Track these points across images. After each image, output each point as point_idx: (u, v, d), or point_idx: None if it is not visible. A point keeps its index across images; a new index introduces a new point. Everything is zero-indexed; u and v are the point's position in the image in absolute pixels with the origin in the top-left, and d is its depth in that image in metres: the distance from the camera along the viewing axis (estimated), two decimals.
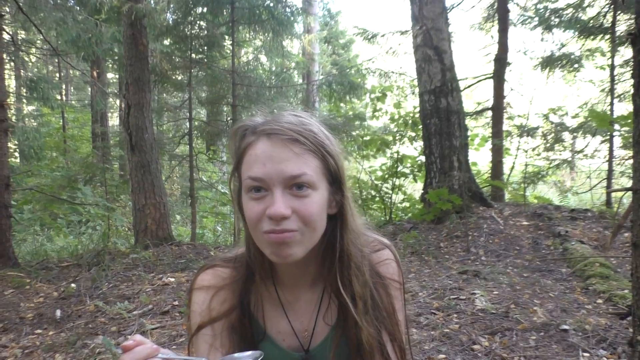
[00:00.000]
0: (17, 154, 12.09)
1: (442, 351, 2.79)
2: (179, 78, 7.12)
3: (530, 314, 3.26)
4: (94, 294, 3.98)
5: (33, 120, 12.64)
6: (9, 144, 10.05)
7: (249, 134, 0.93)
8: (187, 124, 7.22)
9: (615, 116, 5.82)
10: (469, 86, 8.49)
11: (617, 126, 7.04)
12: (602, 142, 8.10)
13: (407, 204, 7.74)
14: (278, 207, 0.87)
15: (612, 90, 7.48)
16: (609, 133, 7.27)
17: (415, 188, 8.94)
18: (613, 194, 7.35)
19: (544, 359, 2.60)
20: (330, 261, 1.01)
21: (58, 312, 3.56)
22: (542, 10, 8.62)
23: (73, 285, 4.20)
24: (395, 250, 1.14)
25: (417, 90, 7.36)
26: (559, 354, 2.65)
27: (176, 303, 3.70)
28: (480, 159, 8.63)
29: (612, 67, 7.56)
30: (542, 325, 3.03)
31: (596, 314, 3.25)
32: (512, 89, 8.52)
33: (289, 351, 1.07)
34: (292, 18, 6.96)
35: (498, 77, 8.12)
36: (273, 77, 7.29)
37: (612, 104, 7.43)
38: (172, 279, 4.34)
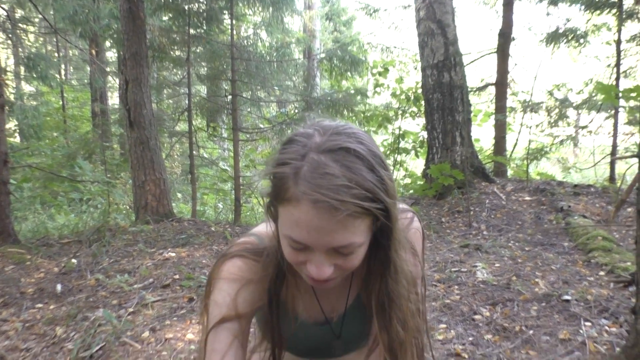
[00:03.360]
0: (17, 135, 12.06)
1: (443, 321, 2.78)
2: (178, 54, 7.03)
3: (532, 286, 3.25)
4: (94, 269, 3.97)
5: (32, 100, 12.56)
6: (9, 123, 10.01)
7: (290, 184, 0.78)
8: (186, 100, 7.16)
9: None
10: (472, 61, 8.36)
11: (622, 102, 6.96)
12: (607, 118, 8.01)
13: (409, 180, 7.70)
14: (321, 272, 0.83)
15: (618, 66, 7.36)
16: (613, 108, 7.17)
17: (416, 165, 8.90)
18: (616, 170, 7.30)
19: (546, 329, 2.59)
20: (370, 270, 0.96)
21: (59, 287, 3.56)
22: None
23: (74, 260, 4.19)
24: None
25: (419, 65, 7.26)
26: (561, 323, 2.64)
27: (177, 277, 3.69)
28: (482, 135, 8.56)
29: (618, 42, 7.42)
30: (543, 296, 3.02)
31: (598, 285, 3.24)
32: (516, 64, 8.42)
33: (315, 324, 1.06)
34: None
35: (502, 52, 8.01)
36: (273, 53, 7.19)
37: (617, 79, 7.31)
38: (173, 254, 4.33)
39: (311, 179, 0.76)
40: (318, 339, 1.08)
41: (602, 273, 3.51)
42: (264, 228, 1.01)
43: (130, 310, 3.07)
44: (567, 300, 2.90)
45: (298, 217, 0.78)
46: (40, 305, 3.27)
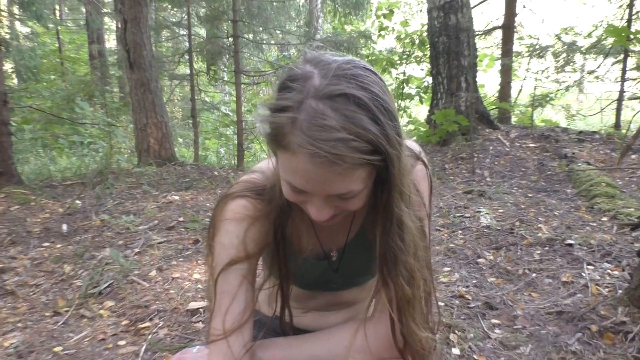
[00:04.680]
0: (14, 76, 11.85)
1: (447, 264, 2.81)
2: None
3: (535, 231, 3.27)
4: (99, 210, 3.99)
5: (28, 41, 12.25)
6: (6, 65, 9.80)
7: (287, 130, 0.74)
8: (186, 42, 6.98)
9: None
10: (480, 3, 8.11)
11: (631, 47, 6.79)
12: (615, 63, 7.85)
13: (412, 127, 7.64)
14: (320, 215, 0.82)
15: (630, 7, 7.12)
16: (623, 53, 7.01)
17: (420, 110, 8.81)
18: (622, 117, 7.23)
19: (549, 272, 2.62)
20: (377, 212, 0.91)
21: (64, 227, 3.58)
22: None
23: (78, 202, 4.20)
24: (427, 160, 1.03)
25: (425, 7, 7.04)
26: (563, 266, 2.67)
27: (181, 219, 3.72)
28: (487, 81, 8.42)
29: None
30: (546, 240, 3.04)
31: (601, 230, 3.26)
32: (524, 7, 8.16)
33: (315, 259, 1.06)
34: None
35: None
36: None
37: (629, 21, 7.10)
38: (177, 197, 4.34)
39: (308, 130, 0.72)
40: (317, 273, 1.09)
41: (605, 219, 3.53)
42: (267, 164, 0.99)
43: (137, 250, 3.10)
44: (570, 245, 2.93)
45: (296, 166, 0.76)
46: (47, 244, 3.31)
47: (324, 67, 0.76)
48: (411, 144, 0.99)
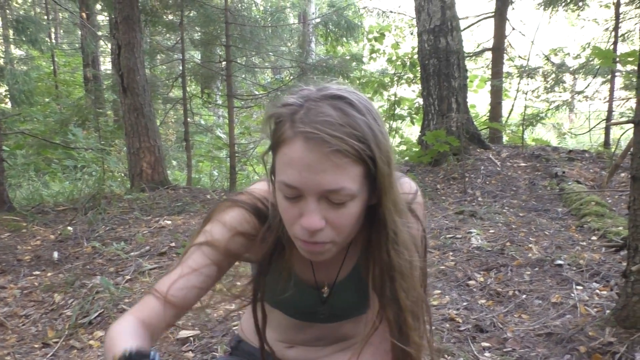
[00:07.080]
0: (8, 100, 11.88)
1: (438, 287, 2.82)
2: (171, 18, 6.88)
3: (526, 251, 3.29)
4: (90, 236, 3.98)
5: (23, 65, 12.33)
6: (0, 89, 9.84)
7: (286, 126, 0.82)
8: (180, 66, 7.05)
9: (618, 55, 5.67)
10: (469, 25, 8.25)
11: (619, 66, 6.91)
12: (603, 83, 7.97)
13: (404, 147, 7.69)
14: (312, 221, 0.83)
15: (616, 29, 7.26)
16: (610, 73, 7.13)
17: (411, 131, 8.88)
18: (611, 136, 7.31)
19: (538, 293, 2.63)
20: (371, 242, 0.93)
21: (55, 254, 3.58)
22: None
23: (69, 228, 4.20)
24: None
25: (416, 30, 7.16)
26: (553, 287, 2.68)
27: (173, 245, 3.71)
28: (478, 101, 8.52)
29: (617, 4, 7.30)
30: (536, 261, 3.06)
31: (590, 250, 3.28)
32: (513, 29, 8.29)
33: (305, 287, 1.07)
34: None
35: (500, 16, 7.90)
36: (268, 17, 7.06)
37: (615, 43, 7.23)
38: (169, 222, 4.34)
39: (306, 118, 0.80)
40: (305, 302, 1.09)
41: (594, 238, 3.56)
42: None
43: (128, 277, 3.09)
44: (560, 265, 2.94)
45: (291, 157, 0.81)
46: (37, 272, 3.30)
47: (321, 85, 0.87)
48: (407, 181, 1.01)
